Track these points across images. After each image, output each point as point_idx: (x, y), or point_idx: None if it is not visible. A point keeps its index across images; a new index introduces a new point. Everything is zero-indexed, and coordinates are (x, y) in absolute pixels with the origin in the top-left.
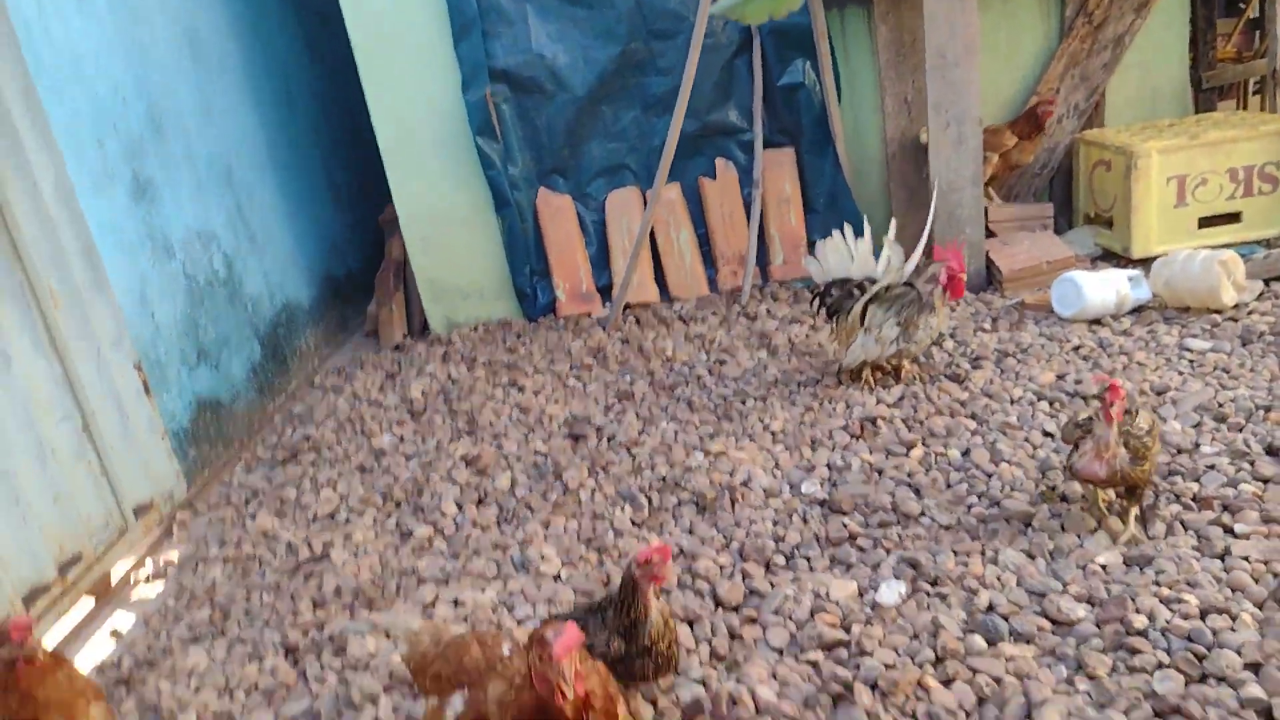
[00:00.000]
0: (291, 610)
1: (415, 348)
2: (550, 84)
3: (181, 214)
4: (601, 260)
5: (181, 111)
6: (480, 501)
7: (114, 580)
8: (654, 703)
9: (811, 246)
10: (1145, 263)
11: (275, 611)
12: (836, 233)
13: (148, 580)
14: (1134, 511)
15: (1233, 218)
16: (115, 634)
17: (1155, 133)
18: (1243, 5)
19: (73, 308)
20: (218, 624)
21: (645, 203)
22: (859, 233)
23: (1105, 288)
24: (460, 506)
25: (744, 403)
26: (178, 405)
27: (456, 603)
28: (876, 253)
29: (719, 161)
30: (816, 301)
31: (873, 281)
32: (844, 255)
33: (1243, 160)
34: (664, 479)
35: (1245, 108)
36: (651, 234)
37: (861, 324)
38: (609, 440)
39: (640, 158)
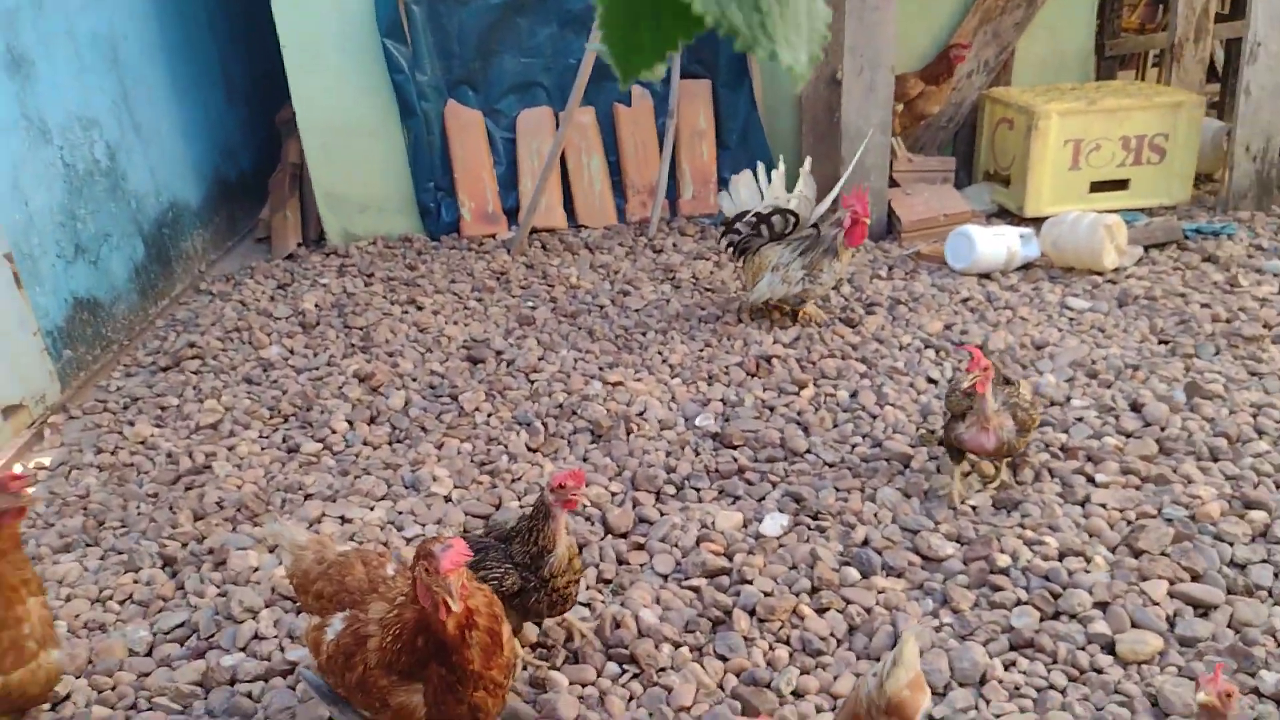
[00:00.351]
0: (170, 521)
1: (310, 258)
2: None
3: (61, 96)
4: (509, 181)
5: None
6: (372, 420)
7: None
8: (539, 623)
9: (722, 183)
10: (1036, 222)
11: (153, 522)
12: (748, 170)
13: None
14: (1006, 461)
15: (1121, 184)
16: None
17: (1057, 95)
18: None
19: None
20: (91, 533)
21: (557, 124)
22: (772, 169)
23: (997, 243)
24: (351, 424)
25: (644, 335)
26: (52, 302)
27: (344, 520)
28: (791, 186)
29: (635, 89)
30: (724, 236)
31: (783, 213)
32: (755, 190)
33: (1135, 129)
34: (561, 406)
35: (1144, 79)
36: (562, 158)
37: (755, 255)
38: (508, 365)
39: (554, 76)
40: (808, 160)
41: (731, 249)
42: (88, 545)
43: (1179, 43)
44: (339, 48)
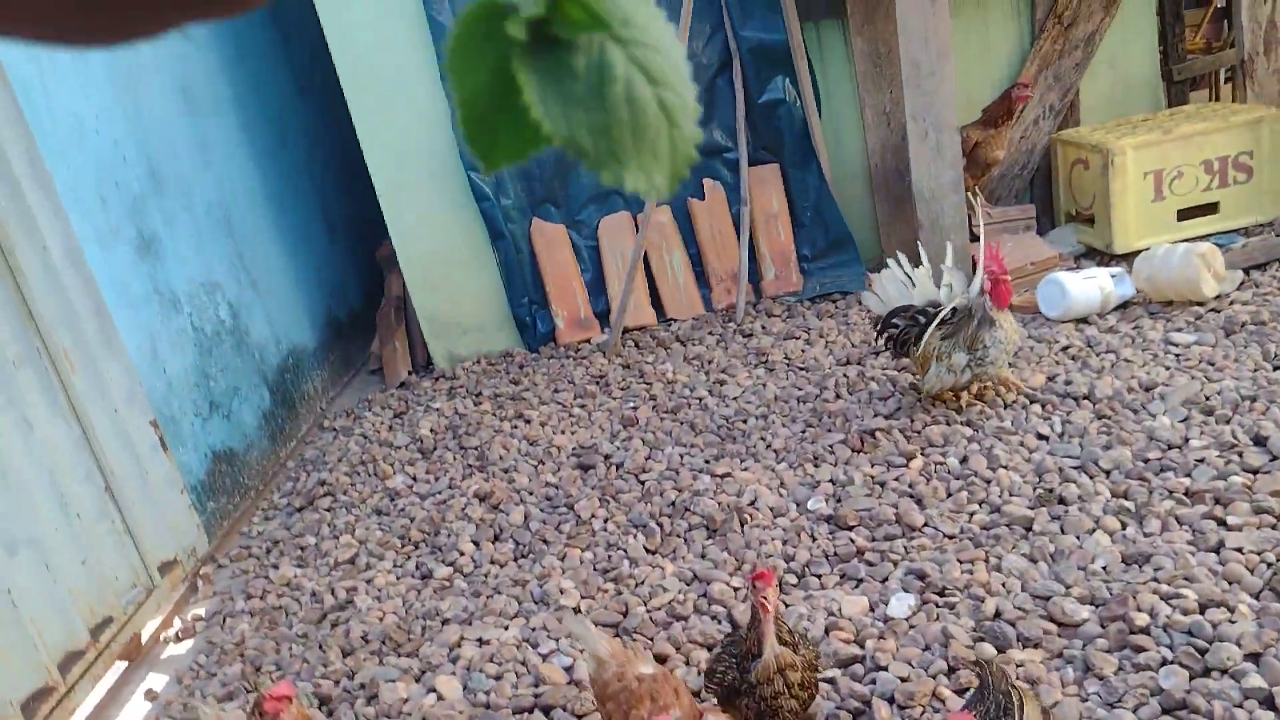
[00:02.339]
0: (321, 660)
1: (420, 384)
2: None
3: (185, 266)
4: (598, 286)
5: (180, 163)
6: (496, 538)
7: (144, 640)
8: None
9: (801, 260)
10: (1128, 258)
11: (305, 662)
12: (892, 262)
13: (177, 638)
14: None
15: (1211, 208)
16: (150, 695)
17: (1129, 129)
18: None
19: (86, 368)
20: (250, 679)
21: (637, 227)
22: (917, 265)
23: (1089, 286)
24: (477, 544)
25: (745, 422)
26: (193, 458)
27: (481, 641)
28: (937, 281)
29: (706, 181)
30: (880, 334)
31: (936, 306)
32: (902, 284)
33: (1216, 151)
34: (674, 504)
35: (1218, 97)
36: (645, 257)
37: (917, 346)
38: (617, 468)
39: None
40: (949, 252)
41: (893, 344)
42: (248, 691)
43: (1249, 58)
44: (429, 183)
